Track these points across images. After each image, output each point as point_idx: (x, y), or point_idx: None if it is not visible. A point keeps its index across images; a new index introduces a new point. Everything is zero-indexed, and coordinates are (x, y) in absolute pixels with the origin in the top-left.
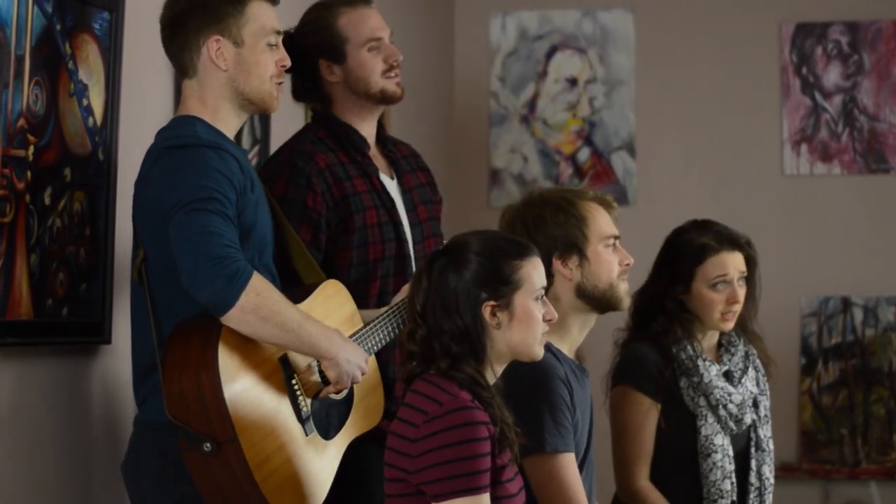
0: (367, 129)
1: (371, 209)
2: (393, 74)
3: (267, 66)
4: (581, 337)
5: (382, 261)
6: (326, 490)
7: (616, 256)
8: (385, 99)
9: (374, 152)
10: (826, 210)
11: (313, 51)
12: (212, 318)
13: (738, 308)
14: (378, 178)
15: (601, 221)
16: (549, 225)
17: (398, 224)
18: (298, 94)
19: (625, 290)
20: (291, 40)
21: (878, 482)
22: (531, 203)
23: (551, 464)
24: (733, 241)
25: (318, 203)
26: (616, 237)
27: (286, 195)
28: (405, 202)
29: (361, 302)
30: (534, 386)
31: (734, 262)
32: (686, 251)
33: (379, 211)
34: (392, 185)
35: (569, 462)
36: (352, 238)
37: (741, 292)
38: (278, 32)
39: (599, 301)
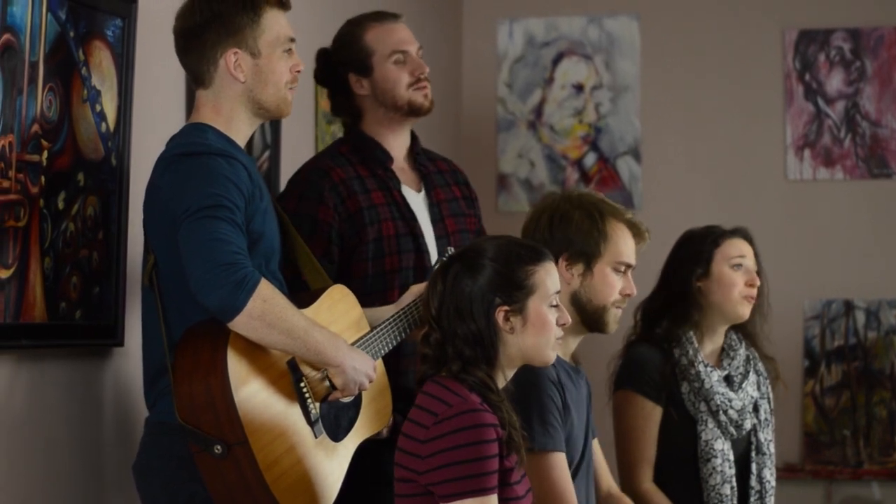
0: (397, 142)
1: (388, 220)
2: (421, 87)
3: (283, 74)
4: (574, 344)
5: (400, 271)
6: (336, 491)
7: (621, 283)
8: (413, 111)
9: (402, 166)
10: (829, 214)
11: (343, 66)
12: (220, 323)
13: (754, 293)
14: (399, 191)
15: (622, 245)
16: (573, 227)
17: (418, 236)
18: (335, 108)
19: (614, 317)
20: (326, 57)
21: (881, 482)
22: (568, 200)
23: (539, 462)
24: (744, 233)
25: (328, 216)
26: (629, 266)
27: (298, 211)
28: (431, 214)
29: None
30: (524, 387)
31: (748, 251)
32: (703, 238)
33: (397, 223)
34: (417, 198)
35: (558, 461)
36: (366, 249)
37: (758, 281)
38: (292, 39)
39: (589, 316)
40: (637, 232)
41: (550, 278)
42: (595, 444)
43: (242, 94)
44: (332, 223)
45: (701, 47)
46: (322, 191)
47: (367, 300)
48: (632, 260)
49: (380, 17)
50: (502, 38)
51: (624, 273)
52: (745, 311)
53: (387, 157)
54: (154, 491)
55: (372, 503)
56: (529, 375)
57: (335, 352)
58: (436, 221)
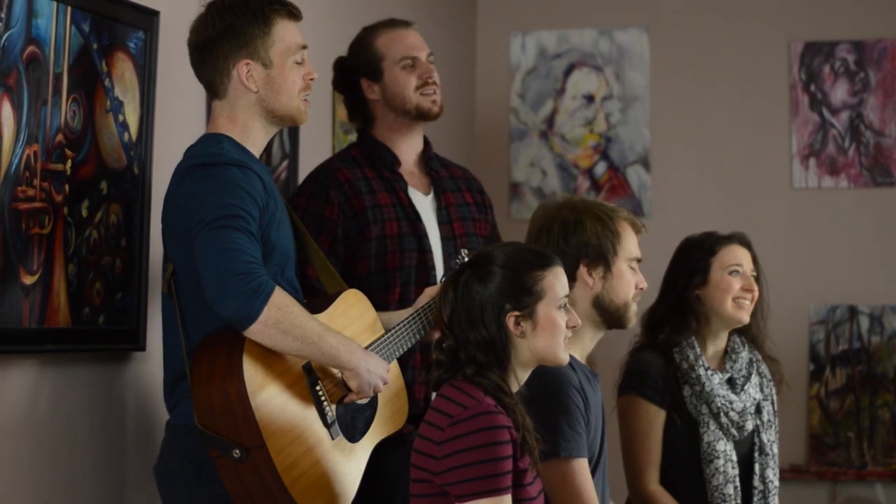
0: (408, 146)
1: (392, 220)
2: (429, 91)
3: (295, 83)
4: (591, 345)
5: (401, 269)
6: (354, 491)
7: (635, 278)
8: (421, 115)
9: (412, 169)
10: (833, 222)
11: (356, 71)
12: (235, 330)
13: (752, 298)
14: (405, 193)
15: (630, 242)
16: (587, 232)
17: (422, 236)
18: (350, 114)
19: (634, 312)
20: (342, 64)
21: (884, 483)
22: (572, 208)
23: (565, 468)
24: (741, 238)
25: (334, 214)
26: (639, 260)
27: (307, 208)
28: (439, 216)
29: (382, 309)
30: (550, 394)
31: (745, 257)
32: (700, 246)
33: (401, 222)
34: (425, 200)
35: (582, 467)
36: (369, 247)
37: (755, 287)
38: (304, 47)
39: (612, 315)
40: (636, 227)
41: (559, 282)
42: None
43: (256, 104)
44: (338, 221)
45: (709, 59)
46: (328, 190)
47: (369, 297)
48: (640, 254)
49: (392, 23)
50: (515, 50)
51: (635, 268)
52: (742, 315)
53: (394, 160)
54: (175, 493)
55: (378, 501)
56: (553, 382)
57: (349, 356)
58: (443, 223)
